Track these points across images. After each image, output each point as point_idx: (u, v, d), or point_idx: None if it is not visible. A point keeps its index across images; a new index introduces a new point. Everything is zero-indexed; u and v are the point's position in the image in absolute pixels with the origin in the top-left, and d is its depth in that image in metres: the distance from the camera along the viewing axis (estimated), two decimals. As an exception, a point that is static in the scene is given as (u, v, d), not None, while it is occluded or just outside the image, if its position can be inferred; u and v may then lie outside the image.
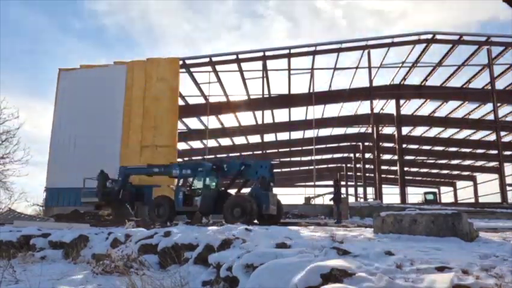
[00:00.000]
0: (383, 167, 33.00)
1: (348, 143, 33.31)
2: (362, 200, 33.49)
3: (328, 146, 32.84)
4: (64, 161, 19.07)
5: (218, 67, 21.60)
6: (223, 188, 13.35)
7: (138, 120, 19.41)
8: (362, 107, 25.75)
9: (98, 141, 19.03)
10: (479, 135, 28.91)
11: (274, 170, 13.97)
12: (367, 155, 33.95)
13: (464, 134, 28.92)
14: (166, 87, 19.83)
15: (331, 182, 40.94)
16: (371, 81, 22.13)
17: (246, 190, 13.41)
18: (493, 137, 26.86)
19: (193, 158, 32.71)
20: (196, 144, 30.06)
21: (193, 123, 26.90)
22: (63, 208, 16.91)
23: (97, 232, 7.89)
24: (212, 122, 25.12)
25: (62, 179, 18.73)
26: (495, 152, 24.62)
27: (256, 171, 12.20)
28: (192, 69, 21.58)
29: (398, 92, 24.20)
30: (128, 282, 4.33)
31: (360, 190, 37.68)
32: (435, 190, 41.11)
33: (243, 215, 11.02)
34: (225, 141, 30.33)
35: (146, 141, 19.19)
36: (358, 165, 36.76)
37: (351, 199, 36.91)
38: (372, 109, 22.74)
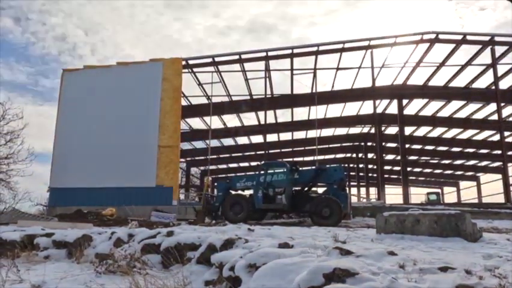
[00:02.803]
0: (386, 167, 32.90)
1: (351, 143, 33.25)
2: (364, 200, 33.44)
3: (331, 146, 32.80)
4: (68, 161, 19.17)
5: (221, 67, 21.66)
6: (298, 188, 13.65)
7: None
8: (365, 107, 25.72)
9: (101, 141, 19.11)
10: (482, 135, 28.77)
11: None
12: (370, 155, 33.89)
13: (467, 134, 28.80)
14: (168, 87, 19.89)
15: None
16: (373, 81, 22.08)
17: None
18: (496, 137, 26.72)
19: (196, 158, 32.84)
20: (199, 144, 30.15)
21: (196, 123, 27.01)
22: (66, 208, 17.00)
23: (100, 232, 7.91)
24: (214, 122, 25.20)
25: (66, 179, 18.84)
26: (499, 152, 24.50)
27: (331, 175, 12.89)
28: (194, 70, 21.66)
29: (401, 92, 24.12)
30: (131, 282, 4.34)
31: (363, 190, 37.65)
32: (439, 190, 40.95)
33: (331, 215, 11.57)
34: (227, 141, 30.39)
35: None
36: (361, 166, 36.70)
37: (354, 199, 36.87)
38: (375, 109, 22.69)
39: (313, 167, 14.95)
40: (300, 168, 14.30)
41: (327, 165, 15.13)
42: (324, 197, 12.60)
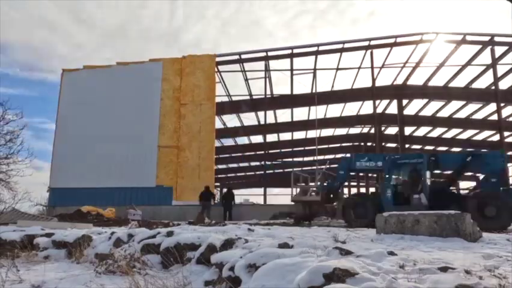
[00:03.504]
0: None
1: (351, 143, 33.23)
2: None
3: (330, 146, 32.79)
4: (67, 161, 19.17)
5: (221, 67, 21.65)
6: (442, 181, 11.76)
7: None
8: (365, 107, 25.73)
9: (101, 141, 19.11)
10: (482, 135, 28.76)
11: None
12: (370, 155, 33.86)
13: (467, 134, 28.79)
14: (168, 87, 19.90)
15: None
16: (373, 81, 22.08)
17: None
18: (496, 138, 26.72)
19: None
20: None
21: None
22: (66, 208, 17.00)
23: (100, 232, 7.91)
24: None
25: (66, 179, 18.85)
26: (499, 152, 24.47)
27: (487, 162, 10.35)
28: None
29: (401, 92, 24.13)
30: (131, 282, 4.34)
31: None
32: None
33: (498, 215, 9.27)
34: (227, 141, 30.37)
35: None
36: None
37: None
38: (375, 109, 22.67)
39: (465, 151, 12.41)
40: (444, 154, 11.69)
41: (484, 150, 12.56)
42: (486, 193, 10.04)
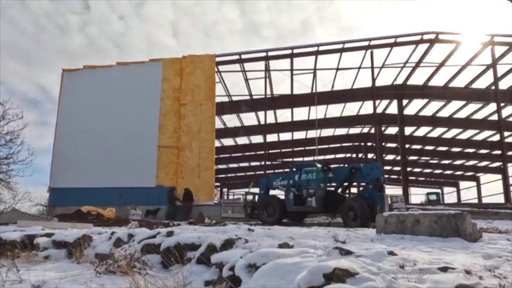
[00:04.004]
0: (386, 168, 32.89)
1: (351, 143, 33.24)
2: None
3: (330, 146, 32.79)
4: (68, 161, 19.17)
5: (221, 67, 21.64)
6: (331, 189, 13.53)
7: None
8: (365, 107, 25.73)
9: (101, 141, 19.12)
10: (482, 135, 28.77)
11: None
12: (370, 155, 33.86)
13: (467, 134, 28.79)
14: (168, 87, 19.89)
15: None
16: (373, 81, 22.08)
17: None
18: (496, 138, 26.71)
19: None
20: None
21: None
22: (66, 208, 17.00)
23: (100, 232, 7.91)
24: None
25: (66, 179, 18.85)
26: (499, 152, 24.48)
27: (367, 173, 12.40)
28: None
29: (401, 92, 24.14)
30: (131, 282, 4.34)
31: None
32: (438, 190, 40.90)
33: (356, 217, 11.32)
34: (227, 142, 30.36)
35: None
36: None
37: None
38: (375, 109, 22.68)
39: (348, 165, 14.58)
40: (334, 166, 13.97)
41: (363, 163, 14.66)
42: (352, 198, 12.41)
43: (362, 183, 15.84)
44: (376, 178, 12.08)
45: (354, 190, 17.67)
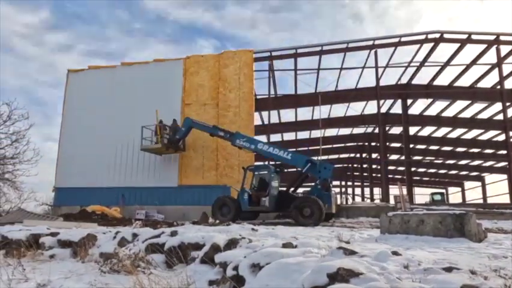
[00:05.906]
0: (390, 167, 32.77)
1: (355, 143, 33.14)
2: (368, 200, 33.33)
3: (334, 146, 32.71)
4: (73, 161, 19.26)
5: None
6: (283, 189, 14.04)
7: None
8: (369, 107, 25.63)
9: (107, 141, 19.19)
10: (487, 135, 28.57)
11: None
12: (374, 155, 33.75)
13: (472, 134, 28.62)
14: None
15: (337, 182, 40.89)
16: (377, 80, 22.00)
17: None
18: (502, 137, 26.52)
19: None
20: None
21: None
22: (71, 207, 17.10)
23: (105, 231, 7.96)
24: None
25: (71, 178, 18.94)
26: (504, 152, 24.31)
27: (319, 170, 13.10)
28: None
29: (406, 91, 24.01)
30: (135, 281, 4.36)
31: (367, 190, 37.52)
32: (443, 191, 40.72)
33: (312, 214, 11.80)
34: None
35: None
36: (365, 166, 36.55)
37: (358, 199, 36.79)
38: (379, 109, 22.60)
39: (305, 156, 14.67)
40: (295, 150, 14.50)
41: (318, 158, 15.02)
42: (305, 197, 12.88)
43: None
44: (324, 178, 12.85)
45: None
